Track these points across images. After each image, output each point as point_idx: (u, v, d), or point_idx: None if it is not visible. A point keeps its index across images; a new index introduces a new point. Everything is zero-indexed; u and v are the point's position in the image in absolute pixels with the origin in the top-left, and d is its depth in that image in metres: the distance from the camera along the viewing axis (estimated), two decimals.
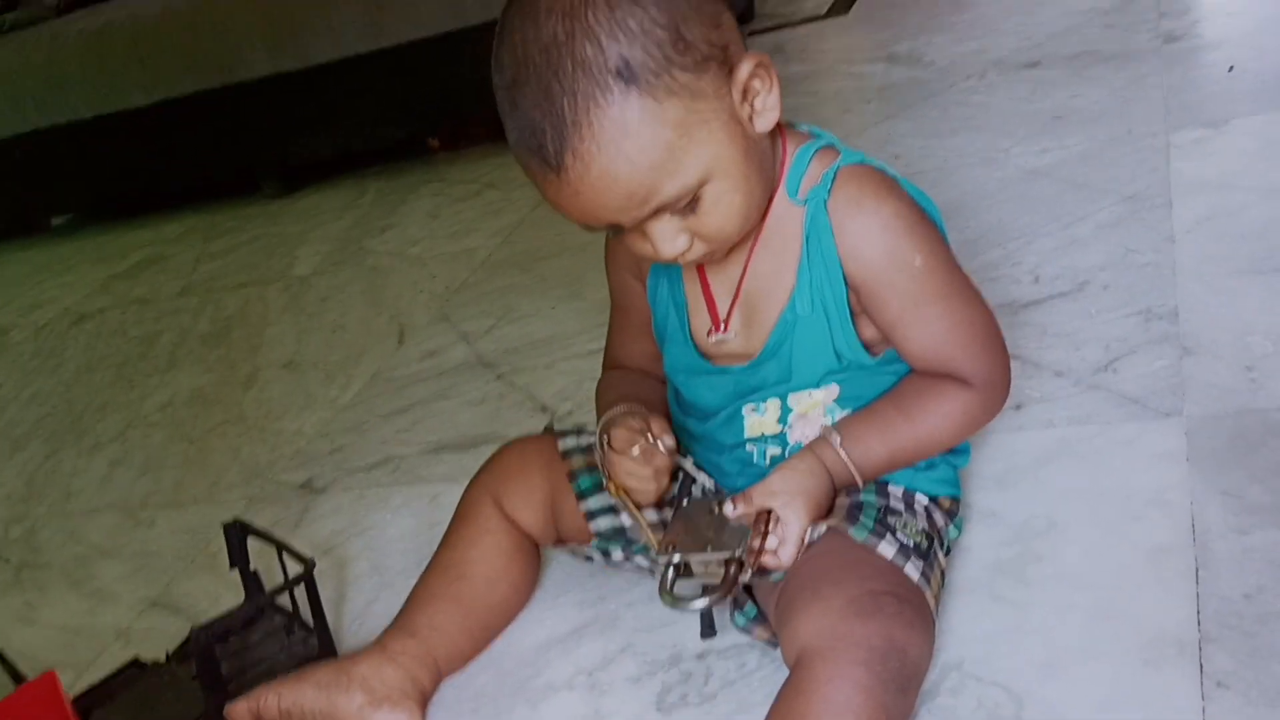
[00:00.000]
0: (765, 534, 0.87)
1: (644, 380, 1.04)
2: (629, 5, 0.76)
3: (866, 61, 2.35)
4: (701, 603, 0.85)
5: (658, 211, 0.81)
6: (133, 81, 2.71)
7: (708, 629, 0.93)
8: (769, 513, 0.88)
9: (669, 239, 0.83)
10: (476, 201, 2.33)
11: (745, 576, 0.86)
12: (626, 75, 0.76)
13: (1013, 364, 1.17)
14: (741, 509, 0.89)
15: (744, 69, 0.81)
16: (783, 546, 0.87)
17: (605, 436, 0.96)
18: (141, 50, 2.68)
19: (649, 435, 0.93)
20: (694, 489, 0.99)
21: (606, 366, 1.09)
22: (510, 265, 1.93)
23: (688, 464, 0.98)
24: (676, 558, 0.88)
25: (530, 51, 0.77)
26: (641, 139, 0.77)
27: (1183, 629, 0.82)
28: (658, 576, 0.89)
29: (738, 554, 0.86)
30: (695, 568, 0.88)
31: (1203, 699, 0.77)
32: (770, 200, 0.89)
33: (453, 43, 2.43)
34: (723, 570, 0.87)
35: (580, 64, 0.76)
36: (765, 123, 0.84)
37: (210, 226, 2.75)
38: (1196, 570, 0.87)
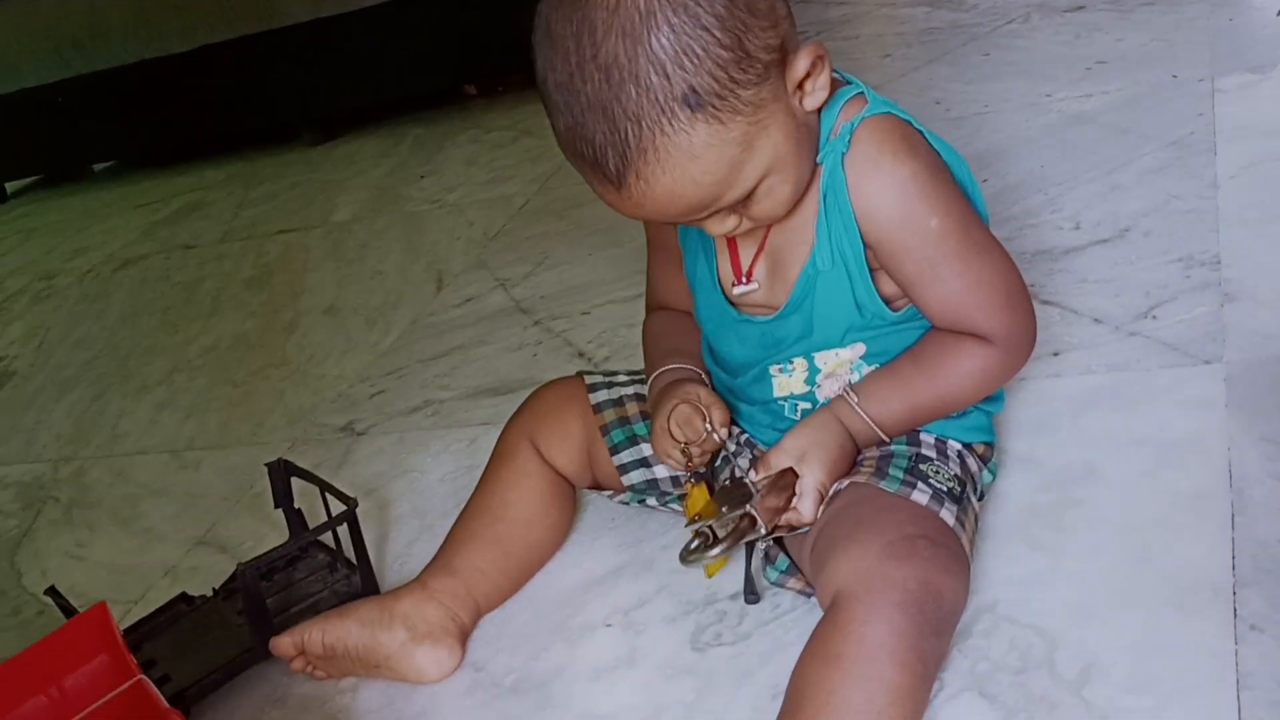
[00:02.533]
0: (789, 494, 0.87)
1: (691, 329, 1.03)
2: (693, 28, 0.74)
3: (907, 4, 2.32)
4: (713, 553, 0.85)
5: (716, 212, 0.82)
6: (173, 28, 2.72)
7: (750, 594, 0.93)
8: (790, 472, 0.88)
9: (719, 225, 0.85)
10: (514, 148, 2.33)
11: (760, 532, 0.86)
12: (694, 103, 0.75)
13: (1052, 311, 1.18)
14: (762, 474, 0.89)
15: (800, 65, 0.81)
16: (800, 499, 0.87)
17: (666, 409, 0.96)
18: None
19: (707, 421, 0.93)
20: (728, 470, 1.00)
21: (650, 307, 1.09)
22: (547, 212, 1.93)
23: (731, 448, 0.98)
24: (693, 528, 0.88)
25: (587, 67, 0.75)
26: (707, 161, 0.77)
27: (1217, 574, 0.82)
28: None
29: (747, 509, 0.86)
30: (719, 531, 0.87)
31: (1235, 642, 0.77)
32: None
33: None
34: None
35: (645, 91, 0.74)
36: (814, 102, 0.83)
37: (250, 174, 2.77)
38: (1232, 516, 0.87)
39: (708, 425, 0.93)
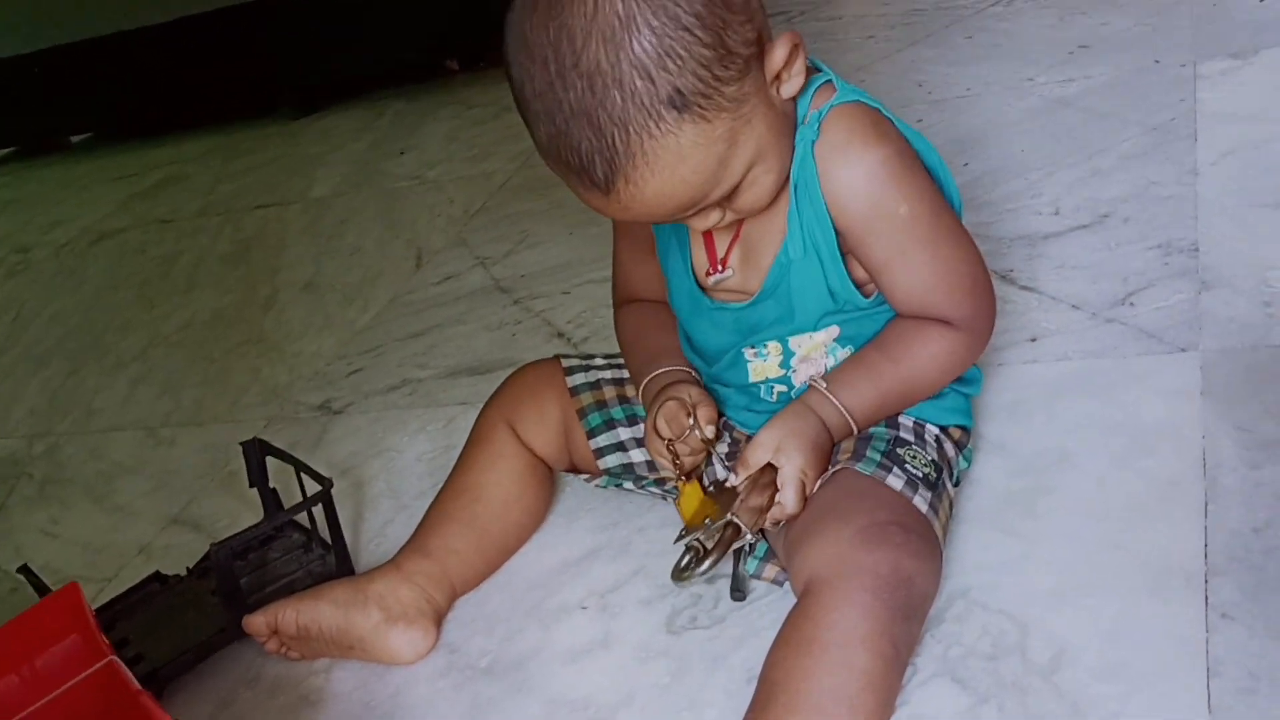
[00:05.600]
0: (772, 490, 0.87)
1: (668, 322, 1.02)
2: (674, 29, 0.73)
3: None
4: (702, 569, 0.84)
5: (701, 209, 0.82)
6: None
7: (736, 591, 0.92)
8: (770, 468, 0.88)
9: (704, 220, 0.84)
10: (495, 125, 2.31)
11: (747, 537, 0.86)
12: (679, 104, 0.74)
13: (1030, 296, 1.18)
14: (742, 474, 0.88)
15: (778, 55, 0.80)
16: (783, 491, 0.87)
17: (654, 409, 0.95)
18: None
19: (692, 419, 0.92)
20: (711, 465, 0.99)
21: (621, 299, 1.07)
22: (528, 190, 1.92)
23: (719, 450, 0.98)
24: (683, 542, 0.87)
25: (569, 75, 0.74)
26: (695, 160, 0.77)
27: (1190, 561, 0.83)
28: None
29: (729, 517, 0.85)
30: (707, 543, 0.86)
31: (1207, 630, 0.77)
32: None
33: None
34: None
35: (630, 96, 0.73)
36: (791, 89, 0.83)
37: (229, 147, 2.74)
38: (1206, 504, 0.87)
39: (691, 421, 0.92)
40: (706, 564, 0.84)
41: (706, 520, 0.86)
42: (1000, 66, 1.76)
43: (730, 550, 0.86)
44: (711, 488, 0.94)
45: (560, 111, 0.75)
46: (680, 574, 0.86)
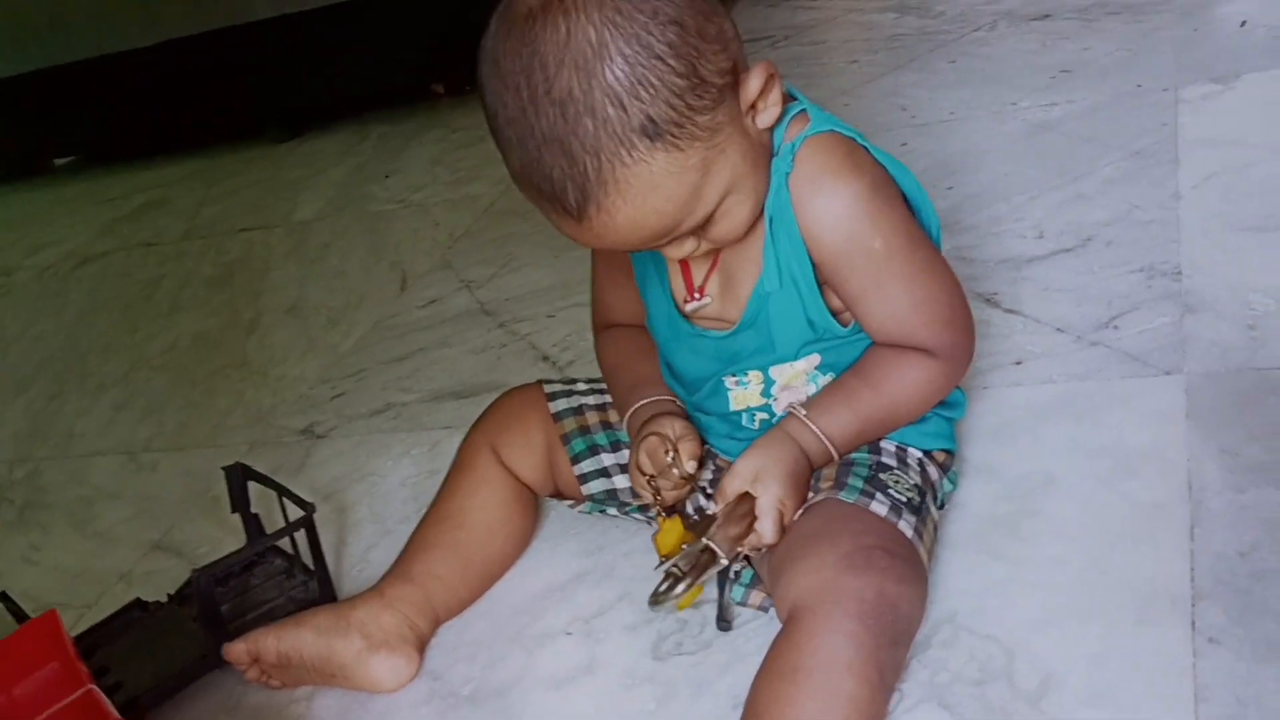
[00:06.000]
0: (750, 519, 0.86)
1: (649, 349, 1.02)
2: (647, 58, 0.73)
3: (875, 10, 2.32)
4: (675, 592, 0.83)
5: (675, 238, 0.82)
6: (136, 22, 2.68)
7: (721, 621, 0.92)
8: (747, 496, 0.87)
9: (678, 249, 0.84)
10: (480, 148, 2.31)
11: (722, 564, 0.85)
12: (652, 132, 0.74)
13: (1014, 319, 1.19)
14: (720, 502, 0.87)
15: (753, 86, 0.80)
16: (760, 520, 0.86)
17: (638, 443, 0.94)
18: None
19: (672, 453, 0.91)
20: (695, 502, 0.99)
21: (600, 324, 1.07)
22: (513, 213, 1.92)
23: (704, 477, 0.97)
24: (662, 569, 0.86)
25: (541, 102, 0.74)
26: (668, 189, 0.76)
27: (1176, 585, 0.83)
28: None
29: (705, 542, 0.85)
30: (684, 567, 0.85)
31: (1194, 655, 0.77)
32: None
33: None
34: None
35: (602, 124, 0.73)
36: (767, 120, 0.83)
37: (213, 170, 2.74)
38: (1192, 528, 0.87)
39: (670, 457, 0.91)
40: (681, 587, 0.83)
41: (684, 546, 0.86)
42: (983, 91, 1.77)
43: (706, 575, 0.85)
44: (695, 516, 0.93)
45: (532, 138, 0.75)
46: (657, 598, 0.85)
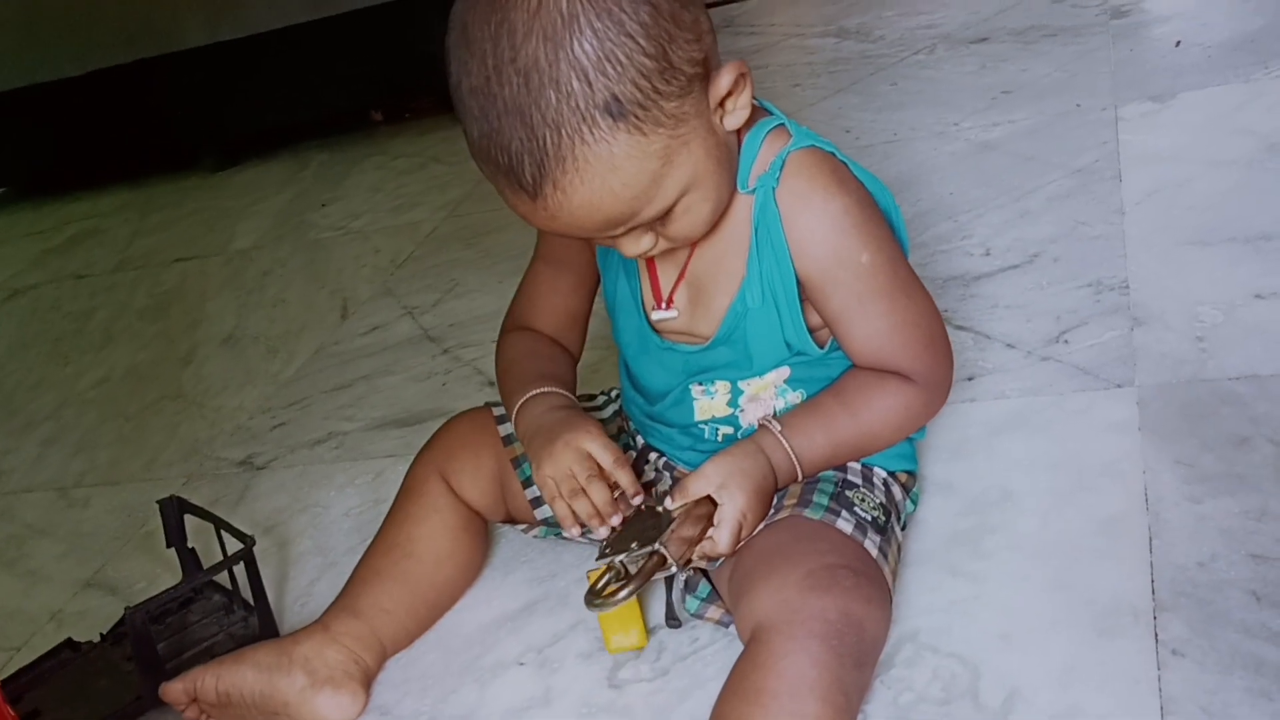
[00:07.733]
0: (706, 524, 0.84)
1: (560, 355, 0.99)
2: (617, 34, 0.72)
3: (816, 35, 2.34)
4: (620, 596, 0.81)
5: (632, 229, 0.80)
6: (66, 51, 2.63)
7: (671, 619, 0.90)
8: (708, 500, 0.85)
9: (634, 244, 0.82)
10: (421, 175, 2.29)
11: (672, 569, 0.83)
12: (615, 111, 0.72)
13: (965, 336, 1.18)
14: (679, 500, 0.85)
15: (724, 82, 0.79)
16: (718, 529, 0.84)
17: (554, 462, 0.88)
18: (75, 18, 2.60)
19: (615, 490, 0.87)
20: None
21: (513, 325, 1.03)
22: (455, 239, 1.90)
23: (661, 488, 0.95)
24: (602, 563, 0.83)
25: (505, 70, 0.72)
26: (627, 173, 0.75)
27: (1137, 598, 0.82)
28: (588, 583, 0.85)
29: (656, 546, 0.82)
30: (630, 568, 0.83)
31: (1158, 667, 0.76)
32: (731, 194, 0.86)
33: (396, 12, 2.38)
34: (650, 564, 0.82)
35: (566, 97, 0.71)
36: (735, 121, 0.82)
37: (147, 200, 2.69)
38: (1150, 539, 0.86)
39: (615, 494, 0.86)
40: (625, 592, 0.81)
41: (632, 544, 0.83)
42: (925, 112, 1.78)
43: (651, 580, 0.82)
44: (644, 506, 0.88)
45: (494, 108, 0.73)
46: (596, 597, 0.82)
